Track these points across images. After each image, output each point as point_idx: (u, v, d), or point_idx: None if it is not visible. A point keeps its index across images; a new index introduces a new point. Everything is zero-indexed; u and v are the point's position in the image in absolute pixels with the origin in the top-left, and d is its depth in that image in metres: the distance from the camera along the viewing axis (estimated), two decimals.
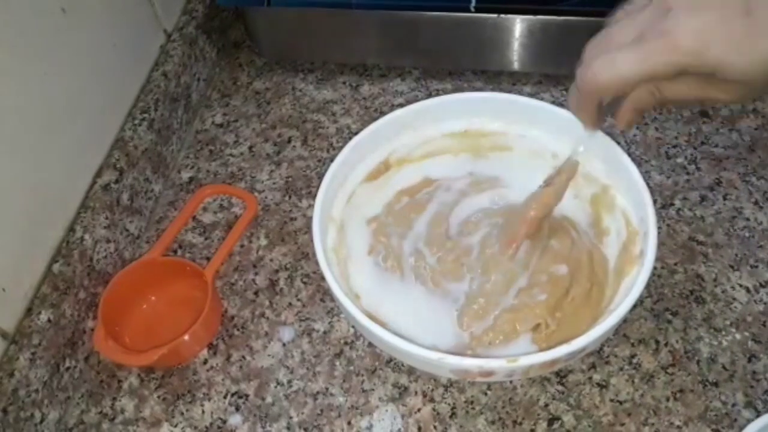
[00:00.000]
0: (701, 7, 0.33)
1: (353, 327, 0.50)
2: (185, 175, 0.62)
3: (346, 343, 0.50)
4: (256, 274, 0.55)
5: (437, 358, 0.38)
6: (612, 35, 0.37)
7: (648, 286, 0.41)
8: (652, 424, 0.45)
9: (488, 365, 0.38)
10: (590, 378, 0.47)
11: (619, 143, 0.48)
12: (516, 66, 0.65)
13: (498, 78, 0.66)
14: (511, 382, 0.47)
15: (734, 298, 0.50)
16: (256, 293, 0.54)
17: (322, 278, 0.53)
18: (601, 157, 0.48)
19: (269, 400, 0.48)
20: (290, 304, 0.53)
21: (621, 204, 0.48)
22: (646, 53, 0.35)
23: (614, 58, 0.36)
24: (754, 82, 0.34)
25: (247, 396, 0.48)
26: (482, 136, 0.53)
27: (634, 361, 0.47)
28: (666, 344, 0.48)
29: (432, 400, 0.47)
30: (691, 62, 0.34)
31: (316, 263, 0.44)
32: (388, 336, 0.39)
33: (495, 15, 0.60)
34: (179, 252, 0.57)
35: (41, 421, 0.46)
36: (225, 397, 0.48)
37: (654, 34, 0.34)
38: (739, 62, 0.33)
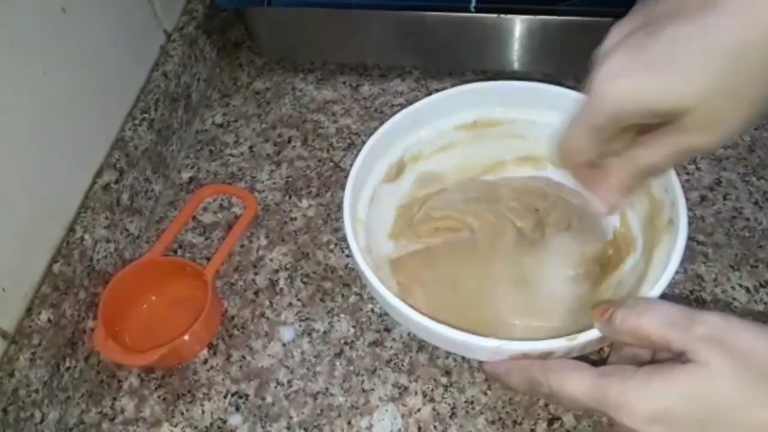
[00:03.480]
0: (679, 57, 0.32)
1: (402, 325, 0.48)
2: (185, 175, 0.62)
3: (346, 343, 0.50)
4: (256, 274, 0.55)
5: (496, 346, 0.38)
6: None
7: None
8: None
9: (549, 346, 0.38)
10: None
11: None
12: (516, 66, 0.65)
13: (498, 78, 0.66)
14: None
15: (734, 299, 0.50)
16: (256, 293, 0.54)
17: (323, 278, 0.54)
18: None
19: (269, 400, 0.48)
20: (290, 304, 0.53)
21: None
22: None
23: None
24: (737, 126, 0.33)
25: (247, 396, 0.48)
26: (492, 126, 0.53)
27: None
28: None
29: (432, 400, 0.47)
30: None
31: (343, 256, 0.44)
32: (449, 332, 0.39)
33: (495, 15, 0.60)
34: (179, 252, 0.57)
35: (41, 421, 0.46)
36: (225, 397, 0.48)
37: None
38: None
